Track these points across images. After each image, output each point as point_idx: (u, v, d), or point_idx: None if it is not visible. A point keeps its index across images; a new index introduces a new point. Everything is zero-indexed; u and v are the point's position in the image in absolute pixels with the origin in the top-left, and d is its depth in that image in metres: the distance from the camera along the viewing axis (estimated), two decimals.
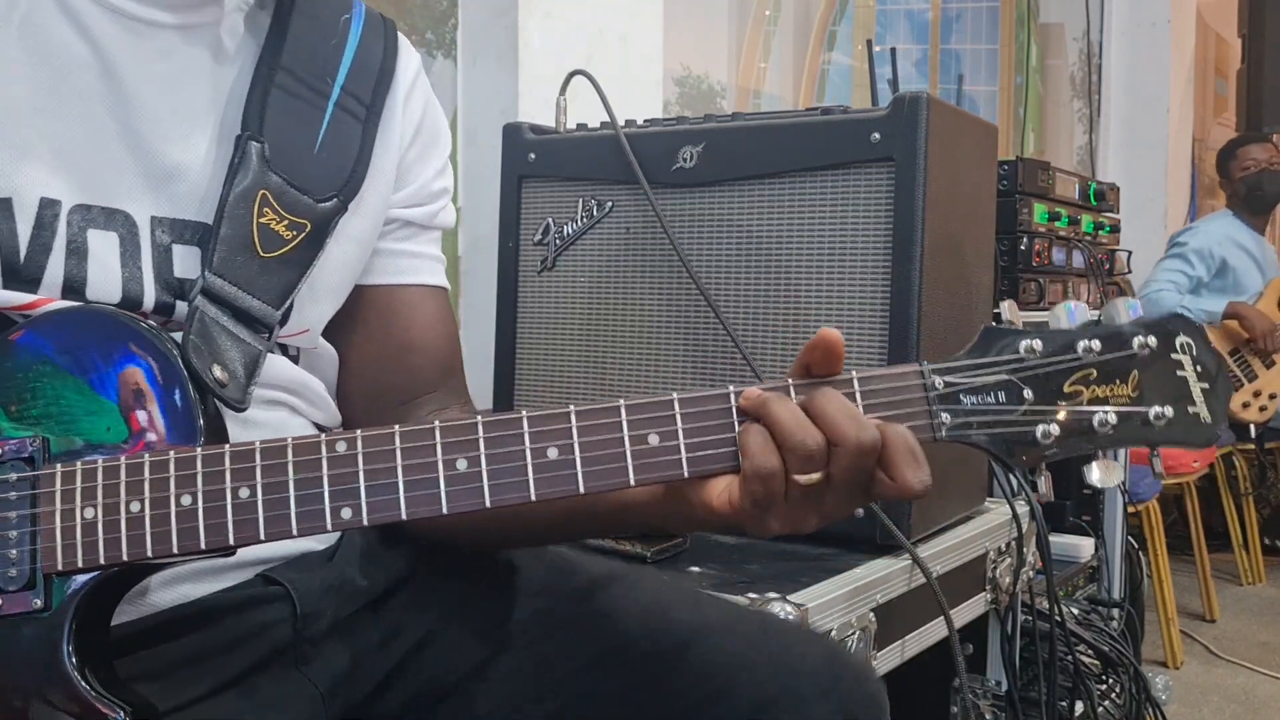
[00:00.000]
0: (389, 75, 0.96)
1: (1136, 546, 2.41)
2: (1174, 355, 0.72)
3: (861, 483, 0.72)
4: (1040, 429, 0.72)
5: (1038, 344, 0.72)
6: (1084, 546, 2.21)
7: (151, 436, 0.74)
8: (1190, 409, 0.72)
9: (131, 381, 0.74)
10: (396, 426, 0.72)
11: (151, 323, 0.78)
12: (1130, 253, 2.61)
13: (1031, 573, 1.68)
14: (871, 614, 1.25)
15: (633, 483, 0.72)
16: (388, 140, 0.95)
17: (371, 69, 0.95)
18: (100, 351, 0.74)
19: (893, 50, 1.92)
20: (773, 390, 0.73)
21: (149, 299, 0.82)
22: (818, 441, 0.70)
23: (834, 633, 1.19)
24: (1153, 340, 0.72)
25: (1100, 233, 2.45)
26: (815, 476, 0.71)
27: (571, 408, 0.72)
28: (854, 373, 0.73)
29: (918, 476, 0.70)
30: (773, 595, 1.14)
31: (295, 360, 0.93)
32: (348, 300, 0.97)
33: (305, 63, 0.90)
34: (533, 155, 1.58)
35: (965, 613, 1.50)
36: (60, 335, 0.75)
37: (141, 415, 0.74)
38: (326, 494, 0.71)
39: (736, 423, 0.72)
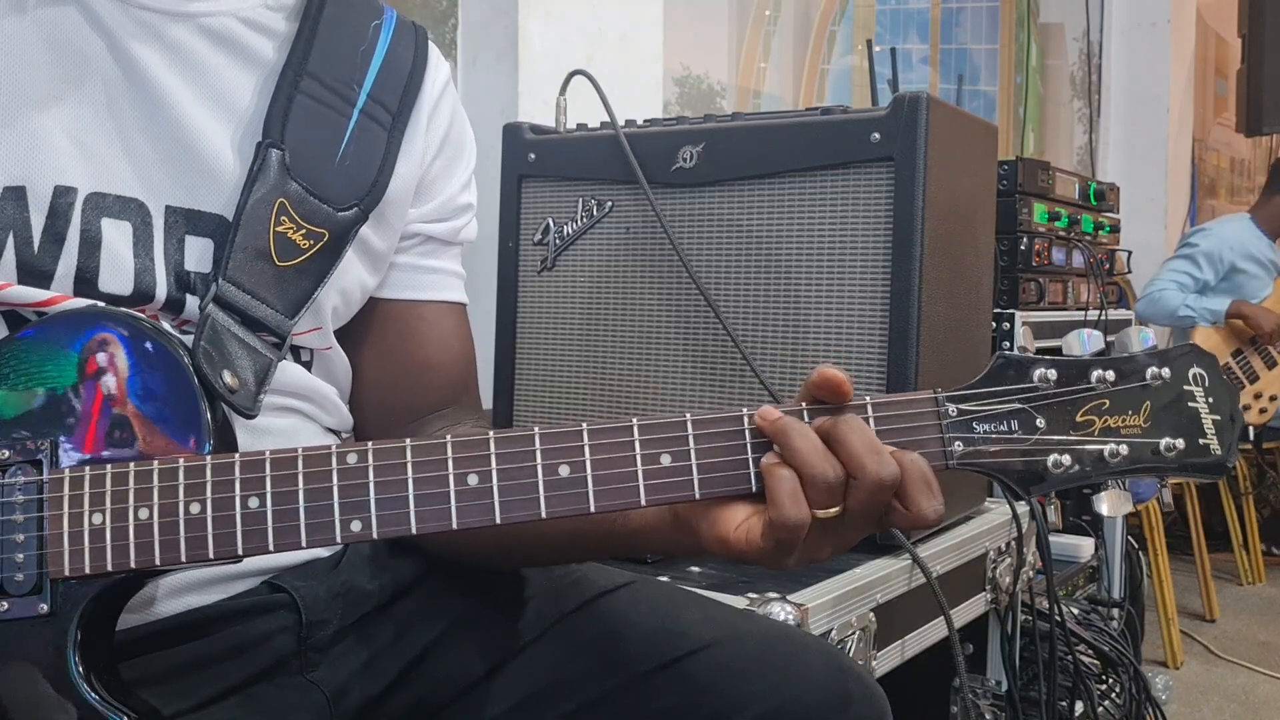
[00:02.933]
0: (417, 84, 0.94)
1: (1136, 546, 2.41)
2: (1186, 386, 0.73)
3: (877, 514, 0.71)
4: (1051, 458, 0.72)
5: (1051, 373, 0.72)
6: (1084, 546, 2.21)
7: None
8: (1201, 440, 0.72)
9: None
10: (408, 440, 0.72)
11: (163, 325, 0.78)
12: (1130, 253, 2.61)
13: (1031, 572, 1.68)
14: (871, 614, 1.25)
15: (644, 503, 0.71)
16: (412, 150, 0.94)
17: (400, 77, 0.93)
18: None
19: (893, 50, 1.92)
20: (790, 413, 0.71)
21: (161, 291, 0.82)
22: (839, 474, 0.69)
23: (834, 633, 1.19)
24: (1166, 371, 0.72)
25: (1100, 233, 2.45)
26: (834, 511, 0.69)
27: (584, 425, 0.72)
28: (868, 398, 0.72)
29: (932, 506, 0.70)
30: (773, 595, 1.14)
31: (308, 367, 0.93)
32: (365, 313, 0.96)
33: (332, 68, 0.89)
34: (533, 155, 1.58)
35: (965, 613, 1.50)
36: (56, 324, 0.75)
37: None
38: (336, 506, 0.71)
39: (750, 445, 0.72)
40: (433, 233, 0.99)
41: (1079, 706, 1.84)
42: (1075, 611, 2.00)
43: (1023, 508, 1.62)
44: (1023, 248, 2.15)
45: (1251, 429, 3.51)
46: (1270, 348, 3.51)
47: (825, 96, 3.48)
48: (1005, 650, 1.66)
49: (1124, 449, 0.72)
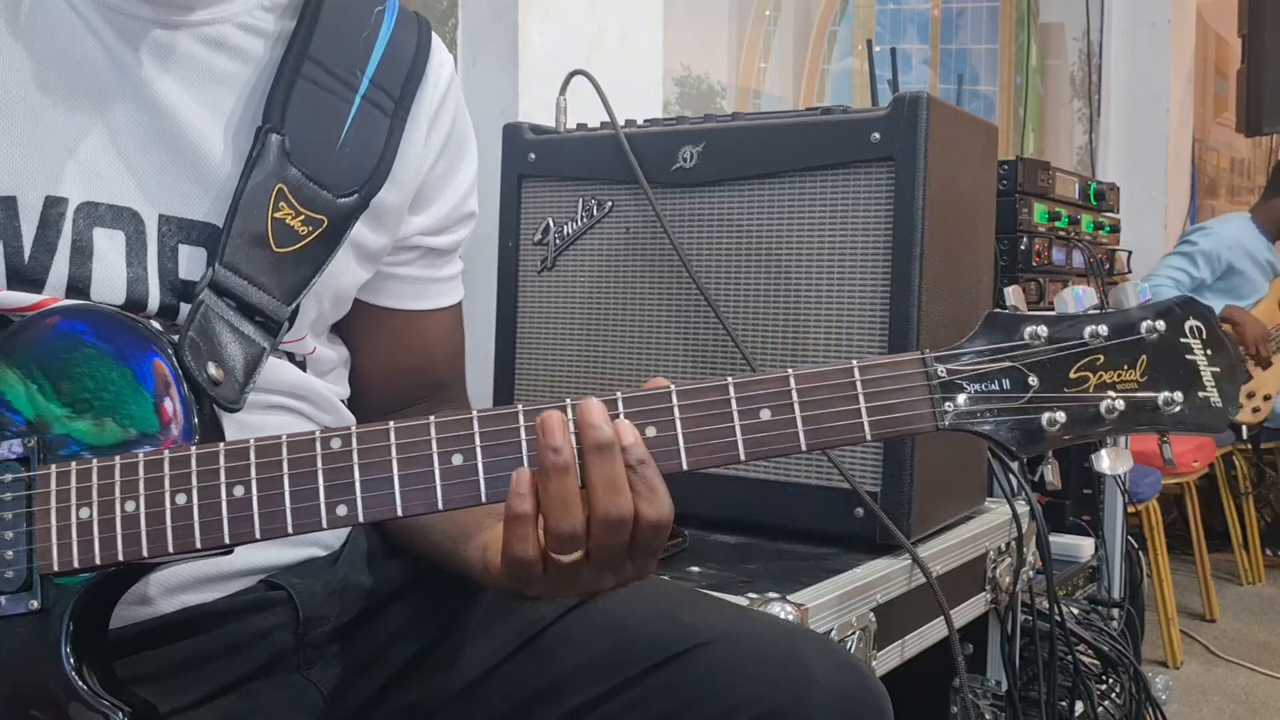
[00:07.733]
0: (420, 72, 0.94)
1: (1136, 546, 2.40)
2: (1183, 339, 0.71)
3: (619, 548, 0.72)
4: (1046, 416, 0.70)
5: (1043, 329, 0.70)
6: (1084, 546, 2.21)
7: (174, 430, 0.74)
8: (1201, 394, 0.70)
9: (162, 374, 0.74)
10: (391, 422, 0.72)
11: (151, 322, 0.78)
12: (1130, 253, 2.61)
13: (1031, 572, 1.68)
14: (871, 614, 1.25)
15: None
16: (413, 144, 0.93)
17: (402, 64, 0.93)
18: (135, 343, 0.74)
19: (893, 50, 1.92)
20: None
21: (154, 300, 0.81)
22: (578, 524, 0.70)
23: (834, 633, 1.19)
24: (1161, 324, 0.70)
25: (1100, 233, 2.45)
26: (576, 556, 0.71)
27: (568, 401, 0.72)
28: (854, 362, 0.72)
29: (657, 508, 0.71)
30: (773, 595, 1.14)
31: (303, 367, 0.93)
32: (365, 320, 0.96)
33: (334, 53, 0.89)
34: (533, 155, 1.58)
35: (965, 613, 1.50)
36: (94, 323, 0.75)
37: (169, 406, 0.74)
38: (322, 491, 0.71)
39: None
40: (435, 245, 0.99)
41: (1079, 706, 1.84)
42: (1075, 611, 2.00)
43: (1023, 507, 1.62)
44: (1023, 248, 2.15)
45: (1245, 428, 3.52)
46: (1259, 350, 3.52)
47: (825, 96, 3.48)
48: (1005, 650, 1.66)
49: (1121, 404, 0.70)
